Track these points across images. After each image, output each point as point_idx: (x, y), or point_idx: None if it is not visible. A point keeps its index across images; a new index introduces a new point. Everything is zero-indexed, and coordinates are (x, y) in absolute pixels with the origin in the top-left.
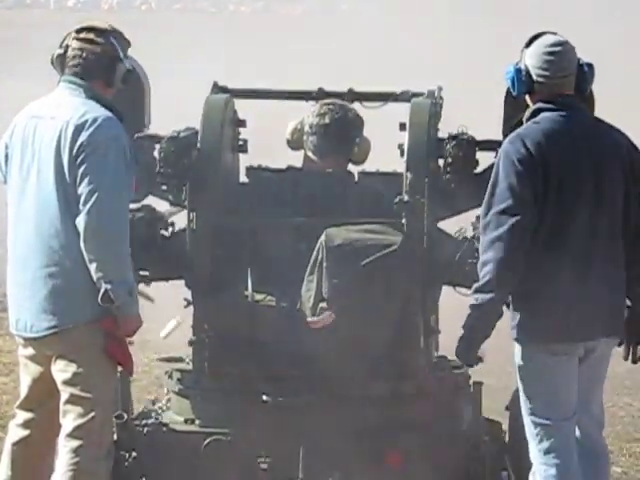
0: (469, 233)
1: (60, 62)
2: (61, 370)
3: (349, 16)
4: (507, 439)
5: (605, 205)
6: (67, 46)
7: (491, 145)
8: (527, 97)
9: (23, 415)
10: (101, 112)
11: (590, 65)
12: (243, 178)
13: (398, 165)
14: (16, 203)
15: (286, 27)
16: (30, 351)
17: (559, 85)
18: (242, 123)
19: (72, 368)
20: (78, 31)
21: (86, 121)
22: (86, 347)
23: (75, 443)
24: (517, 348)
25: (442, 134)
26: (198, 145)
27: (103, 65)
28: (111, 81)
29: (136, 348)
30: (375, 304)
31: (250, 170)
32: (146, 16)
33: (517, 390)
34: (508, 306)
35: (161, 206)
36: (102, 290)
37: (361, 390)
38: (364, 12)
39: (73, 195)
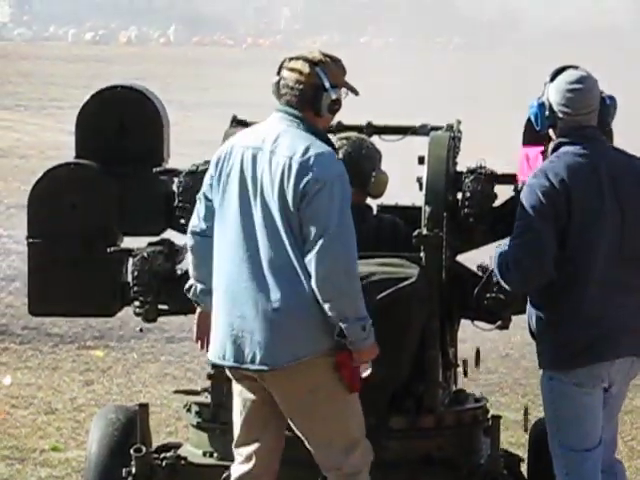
0: (489, 267)
1: (275, 90)
2: (293, 400)
3: (367, 49)
4: (526, 473)
5: (629, 236)
6: (280, 75)
7: (509, 179)
8: (550, 131)
9: (243, 451)
10: (323, 148)
11: (612, 98)
12: None
13: (417, 199)
14: (231, 233)
15: None
16: (249, 384)
17: (582, 120)
18: None
19: (308, 398)
20: (289, 60)
21: (310, 158)
22: (320, 378)
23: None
24: (544, 379)
25: (461, 168)
26: None
27: (310, 95)
28: (319, 111)
29: (154, 381)
30: (393, 337)
31: None
32: (164, 49)
33: (536, 423)
34: (533, 336)
35: (180, 240)
36: (337, 327)
37: (380, 423)
38: (382, 47)
39: (299, 232)
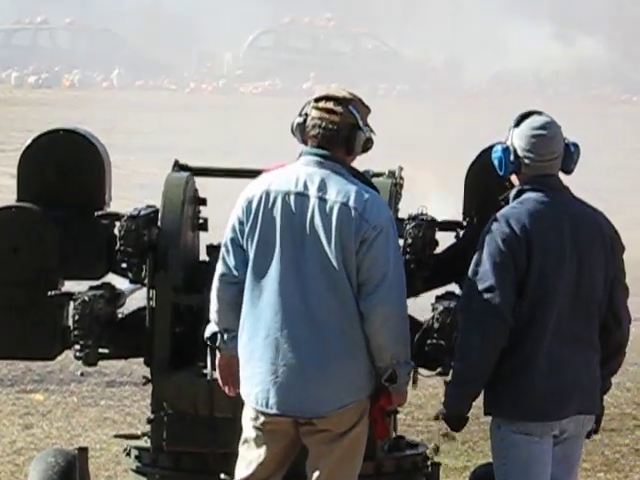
0: (428, 315)
1: (300, 130)
2: (323, 444)
3: (309, 95)
4: None
5: (585, 287)
6: (306, 115)
7: (451, 226)
8: (513, 177)
9: None
10: (372, 192)
11: (576, 145)
12: (204, 256)
13: None
14: (274, 279)
15: (247, 105)
16: (278, 427)
17: (546, 167)
18: (203, 201)
19: (337, 446)
20: (317, 100)
21: (365, 204)
22: (356, 422)
23: None
24: (493, 427)
25: (402, 214)
26: (159, 224)
27: (344, 134)
28: (352, 149)
29: (94, 425)
30: None
31: (210, 248)
32: (108, 93)
33: (474, 471)
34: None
35: (121, 284)
36: (390, 370)
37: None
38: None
39: (355, 278)
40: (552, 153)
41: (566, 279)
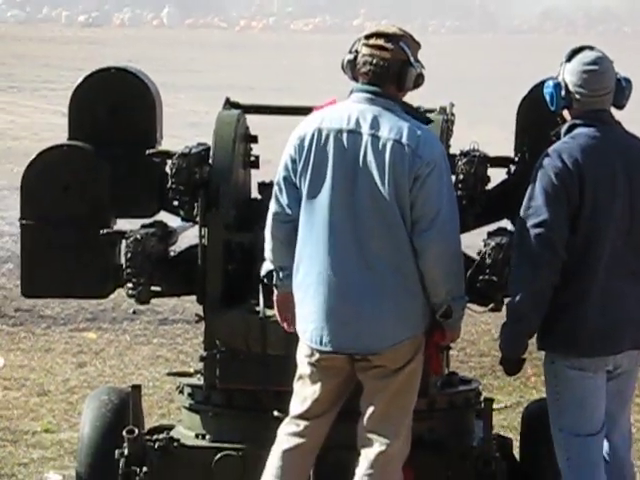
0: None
1: (351, 67)
2: (379, 380)
3: (360, 32)
4: (519, 456)
5: (638, 222)
6: (357, 52)
7: (503, 162)
8: (565, 111)
9: (301, 424)
10: (424, 129)
11: (628, 80)
12: (255, 194)
13: None
14: (327, 216)
15: (297, 43)
16: (338, 365)
17: (597, 102)
18: (254, 139)
19: (393, 382)
20: (367, 37)
21: (418, 140)
22: (411, 358)
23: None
24: (546, 363)
25: (454, 150)
26: (210, 161)
27: (395, 70)
28: (403, 85)
29: (147, 363)
30: None
31: (262, 186)
32: (157, 31)
33: (528, 406)
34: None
35: (173, 221)
36: (445, 306)
37: None
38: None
39: (409, 214)
40: (604, 88)
41: (619, 213)
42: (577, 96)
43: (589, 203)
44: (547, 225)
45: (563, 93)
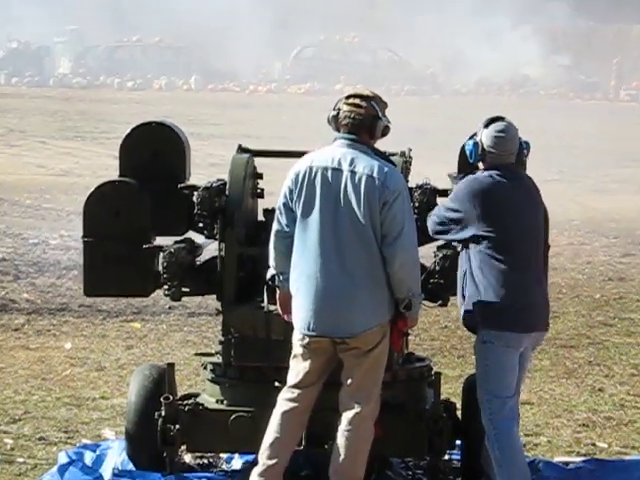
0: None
1: (334, 121)
2: (354, 358)
3: (340, 94)
4: (460, 416)
5: (535, 230)
6: (339, 109)
7: (447, 193)
8: (480, 164)
9: (295, 392)
10: (390, 166)
11: (527, 143)
12: (261, 217)
13: None
14: (315, 233)
15: (293, 103)
16: (322, 346)
17: (504, 159)
18: (260, 176)
19: (365, 360)
20: (347, 97)
21: (386, 174)
22: (379, 341)
23: (358, 410)
24: (478, 341)
25: (411, 184)
26: (226, 193)
27: (368, 123)
28: (374, 134)
29: (179, 346)
30: None
31: (266, 212)
32: (187, 94)
33: (467, 378)
34: (464, 299)
35: (198, 239)
36: (406, 300)
37: None
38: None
39: (379, 230)
40: (510, 149)
41: (519, 224)
42: (489, 154)
43: (496, 214)
44: (444, 224)
45: (479, 151)
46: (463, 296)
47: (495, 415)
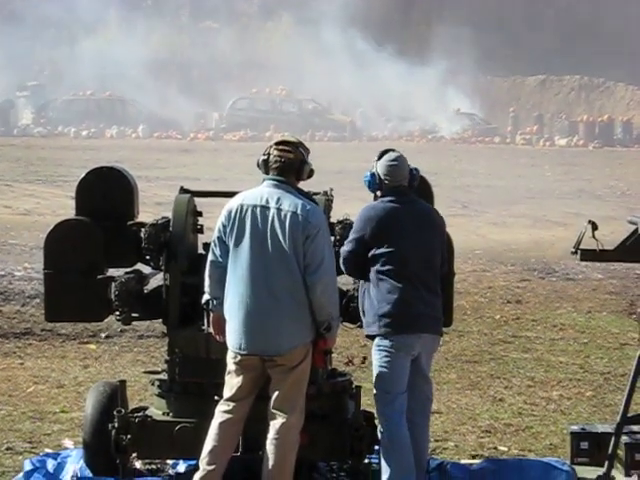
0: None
1: (264, 164)
2: (281, 374)
3: (269, 141)
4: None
5: (428, 252)
6: (269, 154)
7: None
8: (378, 192)
9: (230, 405)
10: (312, 204)
11: (417, 169)
12: (201, 250)
13: None
14: (246, 264)
15: (228, 148)
16: (252, 364)
17: (397, 184)
18: (199, 213)
19: (290, 375)
20: (277, 144)
21: (308, 212)
22: (303, 359)
23: (283, 421)
24: (374, 347)
25: (333, 220)
26: (170, 229)
27: (295, 167)
28: (300, 177)
29: (130, 365)
30: None
31: (206, 245)
32: (135, 141)
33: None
34: (364, 314)
35: (146, 269)
36: (326, 323)
37: None
38: None
39: (302, 261)
40: (401, 176)
41: (409, 244)
42: (385, 182)
43: (389, 238)
44: (351, 247)
45: (377, 180)
46: (363, 312)
47: (385, 408)
